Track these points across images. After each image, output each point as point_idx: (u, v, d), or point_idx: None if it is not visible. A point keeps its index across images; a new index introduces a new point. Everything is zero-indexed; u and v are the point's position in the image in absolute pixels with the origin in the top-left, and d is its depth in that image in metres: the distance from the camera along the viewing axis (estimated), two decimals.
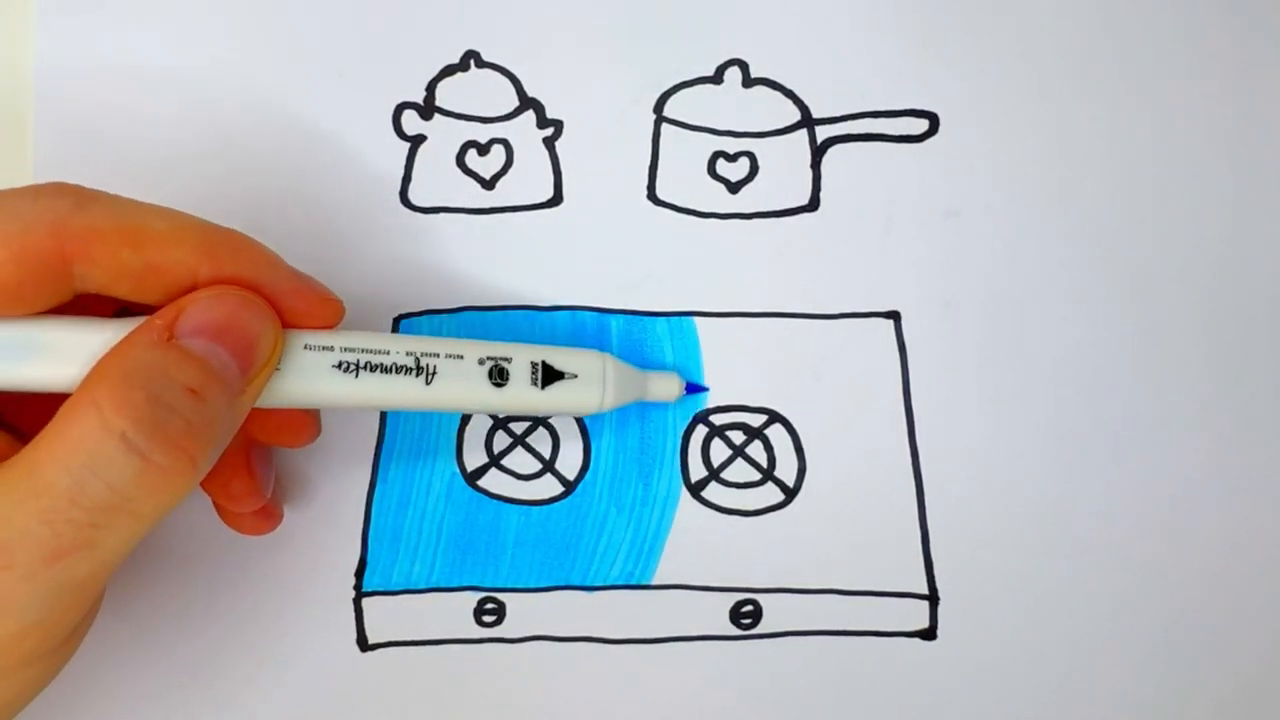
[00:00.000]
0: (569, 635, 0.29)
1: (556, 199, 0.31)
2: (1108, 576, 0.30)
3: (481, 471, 0.30)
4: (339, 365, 0.25)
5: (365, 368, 0.25)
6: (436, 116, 0.31)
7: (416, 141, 0.31)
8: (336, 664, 0.29)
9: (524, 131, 0.31)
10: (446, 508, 0.30)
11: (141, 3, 0.31)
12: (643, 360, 0.30)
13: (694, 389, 0.30)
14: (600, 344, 0.30)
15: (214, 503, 0.28)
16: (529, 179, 0.31)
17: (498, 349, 0.26)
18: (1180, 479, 0.30)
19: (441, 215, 0.31)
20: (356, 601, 0.29)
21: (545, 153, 0.31)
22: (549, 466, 0.30)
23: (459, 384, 0.25)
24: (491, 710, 0.29)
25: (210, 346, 0.22)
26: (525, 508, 0.30)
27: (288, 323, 0.24)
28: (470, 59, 0.31)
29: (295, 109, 0.31)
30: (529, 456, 0.30)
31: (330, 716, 0.29)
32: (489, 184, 0.31)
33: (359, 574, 0.29)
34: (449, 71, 0.31)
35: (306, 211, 0.30)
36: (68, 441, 0.20)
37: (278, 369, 0.24)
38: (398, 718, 0.29)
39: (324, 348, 0.25)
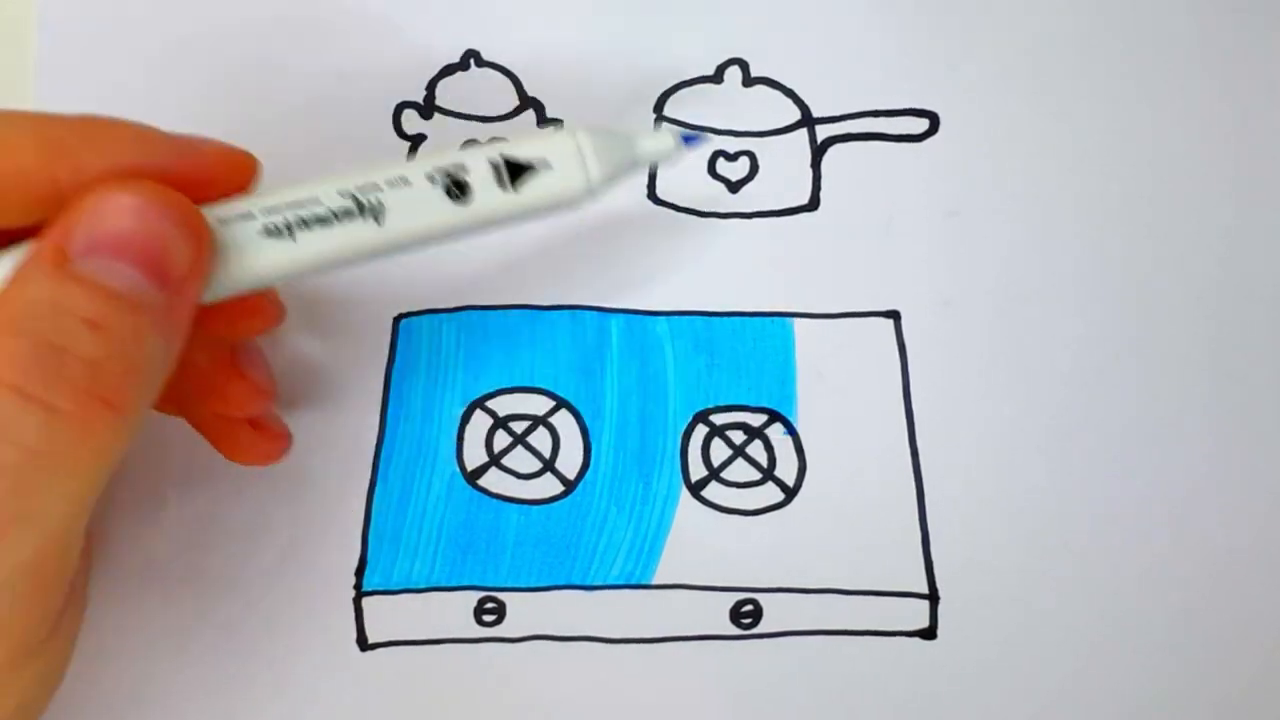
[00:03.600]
0: (569, 635, 0.29)
1: None
2: (1108, 577, 0.30)
3: (481, 471, 0.30)
4: (266, 230, 0.21)
5: (299, 224, 0.21)
6: (436, 116, 0.31)
7: (416, 141, 0.31)
8: (336, 664, 0.29)
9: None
10: (446, 507, 0.30)
11: (140, 5, 0.31)
12: (648, 370, 0.30)
13: (691, 140, 0.25)
14: (601, 345, 0.30)
15: (213, 440, 0.26)
16: None
17: (445, 158, 0.22)
18: (1181, 479, 0.30)
19: None
20: (356, 601, 0.29)
21: None
22: (549, 466, 0.30)
23: (414, 213, 0.22)
24: (491, 710, 0.29)
25: (110, 265, 0.19)
26: (525, 507, 0.30)
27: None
28: (470, 58, 0.31)
29: (295, 108, 0.30)
30: (529, 456, 0.30)
31: (330, 716, 0.29)
32: None
33: (359, 573, 0.29)
34: (449, 71, 0.31)
35: None
36: None
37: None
38: (398, 718, 0.29)
39: (241, 216, 0.21)
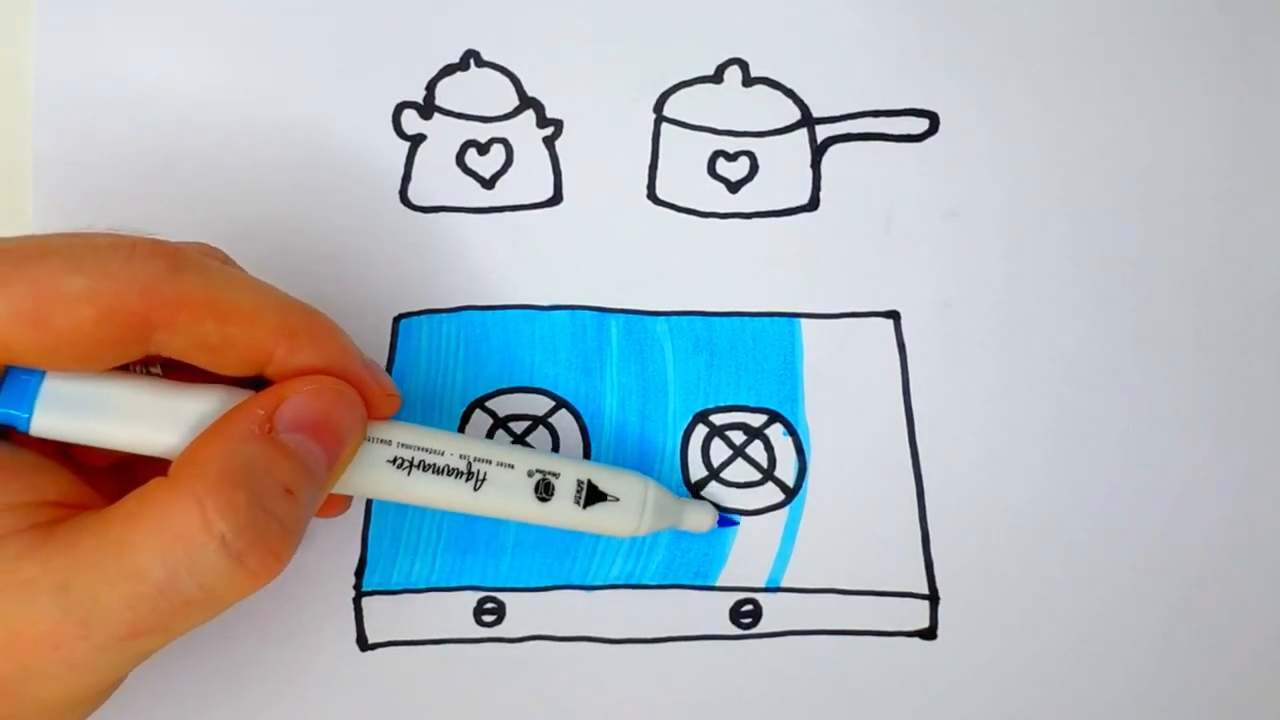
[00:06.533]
0: (569, 635, 0.29)
1: (556, 198, 0.31)
2: (1108, 576, 0.30)
3: None
4: (394, 460, 0.25)
5: (419, 466, 0.25)
6: (436, 116, 0.31)
7: (416, 141, 0.31)
8: (336, 664, 0.29)
9: (524, 131, 0.31)
10: None
11: (142, 1, 0.31)
12: (648, 370, 0.30)
13: (725, 522, 0.29)
14: (600, 345, 0.30)
15: None
16: (529, 178, 0.31)
17: (547, 462, 0.27)
18: (1180, 479, 0.30)
19: (441, 215, 0.31)
20: (356, 601, 0.29)
21: (545, 152, 0.31)
22: None
23: (505, 494, 0.26)
24: (491, 710, 0.29)
25: (307, 442, 0.23)
26: None
27: None
28: (470, 58, 0.31)
29: (295, 108, 0.30)
30: None
31: (330, 716, 0.29)
32: (489, 183, 0.31)
33: (359, 573, 0.29)
34: (449, 71, 0.31)
35: (306, 211, 0.30)
36: (167, 534, 0.21)
37: None
38: (398, 718, 0.29)
39: (383, 441, 0.25)
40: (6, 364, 0.22)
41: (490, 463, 0.26)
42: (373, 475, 0.25)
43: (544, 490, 0.26)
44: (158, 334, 0.22)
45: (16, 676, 0.21)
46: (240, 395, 0.24)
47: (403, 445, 0.25)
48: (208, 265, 0.23)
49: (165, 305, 0.22)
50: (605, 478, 0.27)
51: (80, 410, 0.23)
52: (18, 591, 0.20)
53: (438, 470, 0.25)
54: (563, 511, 0.27)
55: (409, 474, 0.25)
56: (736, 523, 0.30)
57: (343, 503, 0.28)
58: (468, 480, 0.26)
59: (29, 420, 0.22)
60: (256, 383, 0.24)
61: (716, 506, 0.29)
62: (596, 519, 0.27)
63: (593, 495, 0.27)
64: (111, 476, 0.25)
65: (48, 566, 0.21)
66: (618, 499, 0.27)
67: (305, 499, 0.22)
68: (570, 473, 0.27)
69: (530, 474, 0.26)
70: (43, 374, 0.22)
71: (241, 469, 0.21)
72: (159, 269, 0.22)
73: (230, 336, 0.23)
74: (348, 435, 0.24)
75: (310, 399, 0.23)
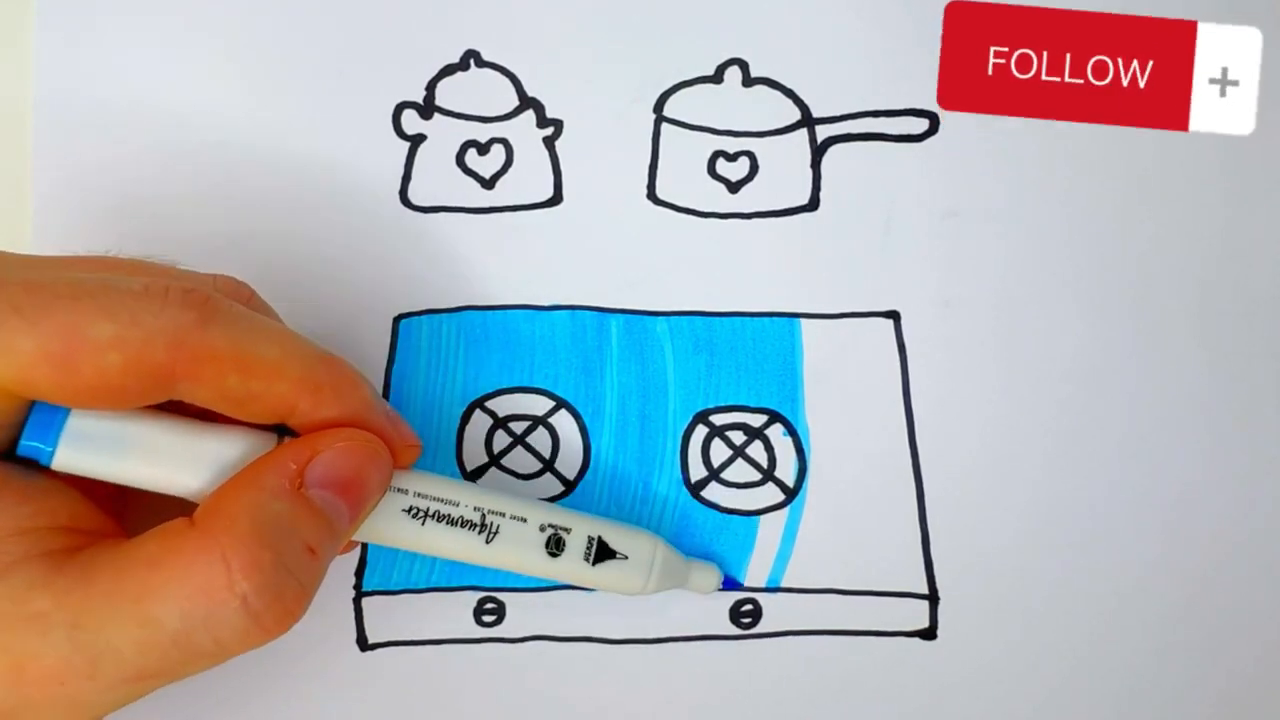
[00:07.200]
0: (569, 635, 0.29)
1: (556, 198, 0.31)
2: (1108, 577, 0.30)
3: (481, 471, 0.30)
4: (409, 510, 0.25)
5: (433, 516, 0.26)
6: (436, 116, 0.31)
7: (416, 141, 0.31)
8: (336, 664, 0.29)
9: (524, 131, 0.31)
10: None
11: (142, 1, 0.31)
12: (648, 370, 0.30)
13: (730, 584, 0.29)
14: (600, 345, 0.30)
15: None
16: (529, 178, 0.31)
17: (559, 516, 0.27)
18: (1180, 479, 0.30)
19: (441, 215, 0.31)
20: (356, 601, 0.29)
21: (545, 152, 0.31)
22: (549, 466, 0.30)
23: (517, 548, 0.26)
24: (491, 710, 0.29)
25: (334, 501, 0.23)
26: None
27: None
28: (470, 58, 0.31)
29: (295, 109, 0.30)
30: (529, 456, 0.30)
31: (330, 716, 0.29)
32: (489, 183, 0.31)
33: (359, 574, 0.29)
34: (449, 71, 0.31)
35: (306, 211, 0.30)
36: (189, 587, 0.21)
37: None
38: (398, 718, 0.29)
39: (399, 490, 0.25)
40: (32, 401, 0.22)
41: (504, 515, 0.26)
42: (388, 524, 0.25)
43: (555, 545, 0.26)
44: (181, 384, 0.22)
45: (16, 708, 0.21)
46: (264, 439, 0.24)
47: (419, 495, 0.26)
48: (237, 316, 0.23)
49: (191, 358, 0.22)
50: (615, 535, 0.27)
51: (103, 448, 0.23)
52: (27, 624, 0.20)
53: (451, 521, 0.26)
54: (571, 568, 0.27)
55: (423, 524, 0.25)
56: (741, 585, 0.30)
57: (353, 545, 0.28)
58: (480, 532, 0.26)
59: (52, 455, 0.23)
60: (279, 426, 0.24)
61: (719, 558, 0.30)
62: (605, 577, 0.27)
63: (602, 552, 0.27)
64: (112, 493, 0.25)
65: (61, 601, 0.20)
66: (626, 557, 0.27)
67: (325, 556, 0.23)
68: (581, 529, 0.27)
69: (542, 529, 0.26)
70: (68, 410, 0.23)
71: (270, 526, 0.22)
72: (188, 321, 0.22)
73: (254, 390, 0.23)
74: (373, 493, 0.24)
75: (342, 456, 0.23)
